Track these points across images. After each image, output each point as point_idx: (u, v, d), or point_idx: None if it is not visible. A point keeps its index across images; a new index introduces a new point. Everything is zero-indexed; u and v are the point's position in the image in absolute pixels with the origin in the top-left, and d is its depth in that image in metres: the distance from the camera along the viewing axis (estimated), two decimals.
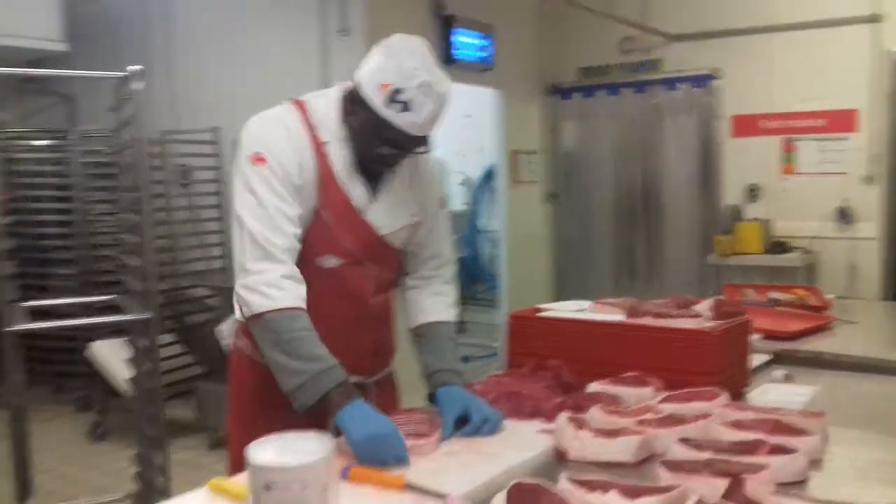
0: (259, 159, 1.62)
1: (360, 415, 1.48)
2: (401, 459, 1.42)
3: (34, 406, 4.90)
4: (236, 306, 1.69)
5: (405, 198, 1.77)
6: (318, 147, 1.66)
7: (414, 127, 1.58)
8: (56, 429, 4.76)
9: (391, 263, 1.82)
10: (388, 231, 1.74)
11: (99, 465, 4.15)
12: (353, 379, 1.68)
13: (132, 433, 3.32)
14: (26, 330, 2.80)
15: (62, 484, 3.89)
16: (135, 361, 3.12)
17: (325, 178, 1.66)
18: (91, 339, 4.51)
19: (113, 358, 4.20)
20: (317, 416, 1.55)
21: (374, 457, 1.41)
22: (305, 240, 1.66)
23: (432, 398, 1.72)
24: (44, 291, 5.09)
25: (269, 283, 1.56)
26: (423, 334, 1.81)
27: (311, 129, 1.67)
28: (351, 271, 1.71)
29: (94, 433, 4.53)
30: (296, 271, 1.60)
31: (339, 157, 1.67)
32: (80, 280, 4.96)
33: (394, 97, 1.55)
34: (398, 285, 1.90)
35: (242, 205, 1.62)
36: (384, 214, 1.73)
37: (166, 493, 2.76)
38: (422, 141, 1.65)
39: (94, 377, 4.67)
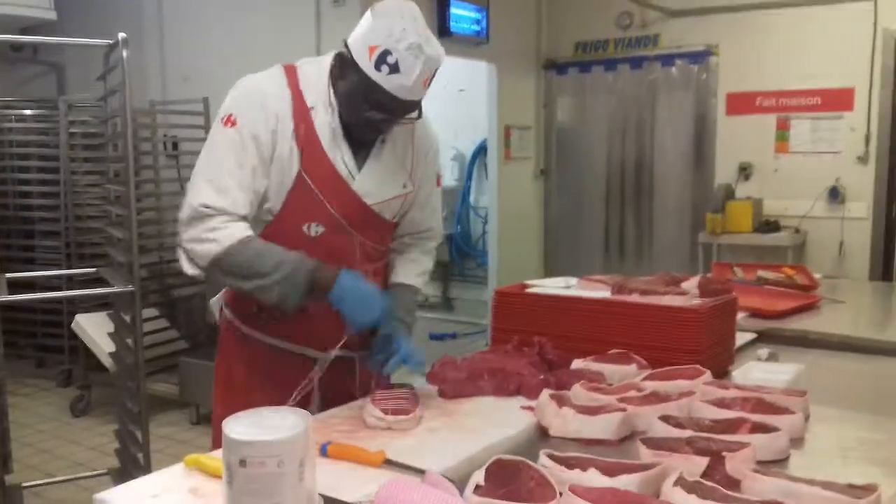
0: (230, 121, 1.61)
1: (356, 292, 1.58)
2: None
3: (16, 380, 4.92)
4: (183, 262, 1.67)
5: (396, 169, 1.74)
6: (304, 112, 1.63)
7: (402, 90, 1.56)
8: (37, 403, 4.75)
9: (381, 234, 1.79)
10: (374, 201, 1.71)
11: (80, 441, 4.15)
12: (340, 353, 1.68)
13: (114, 408, 3.32)
14: (7, 302, 2.78)
15: (43, 459, 3.89)
16: (117, 335, 3.10)
17: (309, 143, 1.64)
18: (75, 313, 4.48)
19: (97, 331, 4.17)
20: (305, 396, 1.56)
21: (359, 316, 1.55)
22: (290, 206, 1.64)
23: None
24: (28, 263, 5.06)
25: (209, 229, 1.58)
26: (386, 293, 1.80)
27: (298, 93, 1.64)
28: (336, 239, 1.69)
29: (76, 408, 4.52)
30: (237, 215, 1.60)
31: (325, 122, 1.65)
32: (65, 252, 4.92)
33: (382, 59, 1.53)
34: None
35: (199, 165, 1.64)
36: (371, 184, 1.70)
37: (147, 469, 2.75)
38: (411, 106, 1.62)
39: (77, 351, 4.65)
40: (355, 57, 1.56)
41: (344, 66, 1.62)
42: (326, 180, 1.65)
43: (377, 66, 1.54)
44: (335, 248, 1.69)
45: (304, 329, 1.71)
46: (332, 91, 1.65)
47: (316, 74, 1.67)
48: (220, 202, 1.58)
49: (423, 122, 1.77)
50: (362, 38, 1.56)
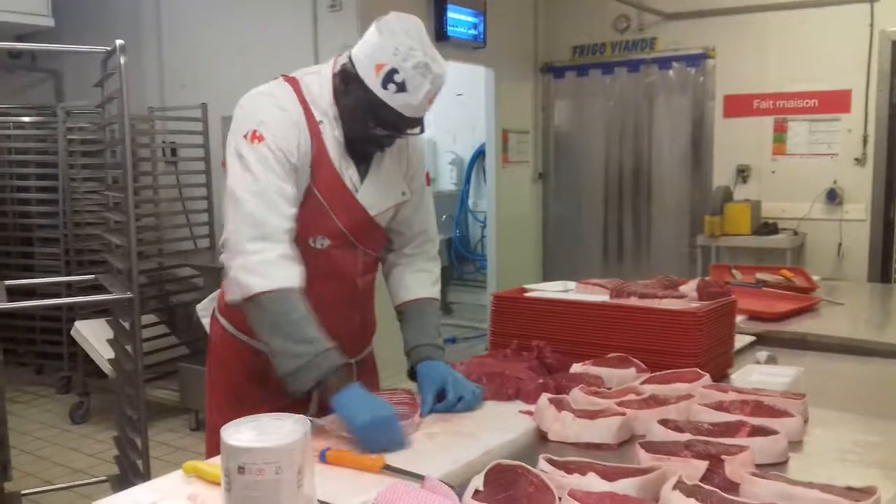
0: (256, 136, 1.57)
1: (359, 399, 1.46)
2: (400, 444, 1.40)
3: (15, 387, 4.92)
4: (228, 286, 1.64)
5: (394, 177, 1.75)
6: (314, 125, 1.63)
7: (409, 108, 1.57)
8: (36, 410, 4.74)
9: (377, 243, 1.81)
10: (377, 211, 1.72)
11: (79, 448, 4.13)
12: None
13: (113, 415, 3.31)
14: (6, 309, 2.77)
15: (42, 466, 3.88)
16: (117, 342, 3.10)
17: (320, 157, 1.64)
18: (74, 320, 4.48)
19: (96, 338, 4.17)
20: (300, 399, 1.54)
21: (376, 441, 1.38)
22: (299, 221, 1.62)
23: (413, 374, 1.71)
24: (27, 270, 5.06)
25: (266, 262, 1.52)
26: (406, 311, 1.81)
27: (307, 107, 1.64)
28: (340, 252, 1.70)
29: (75, 415, 4.51)
30: (293, 251, 1.57)
31: (332, 136, 1.65)
32: (64, 259, 4.92)
33: (390, 77, 1.53)
34: (382, 263, 1.89)
35: (239, 184, 1.57)
36: (374, 194, 1.71)
37: (146, 476, 2.74)
38: (416, 122, 1.63)
39: (76, 358, 4.65)
40: (361, 74, 1.56)
41: (348, 82, 1.61)
42: (335, 194, 1.66)
43: (384, 85, 1.54)
44: (339, 261, 1.70)
45: None
46: (335, 107, 1.65)
47: (317, 86, 1.66)
48: (276, 221, 1.54)
49: (417, 137, 1.78)
50: (369, 55, 1.56)
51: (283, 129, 1.59)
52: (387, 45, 1.54)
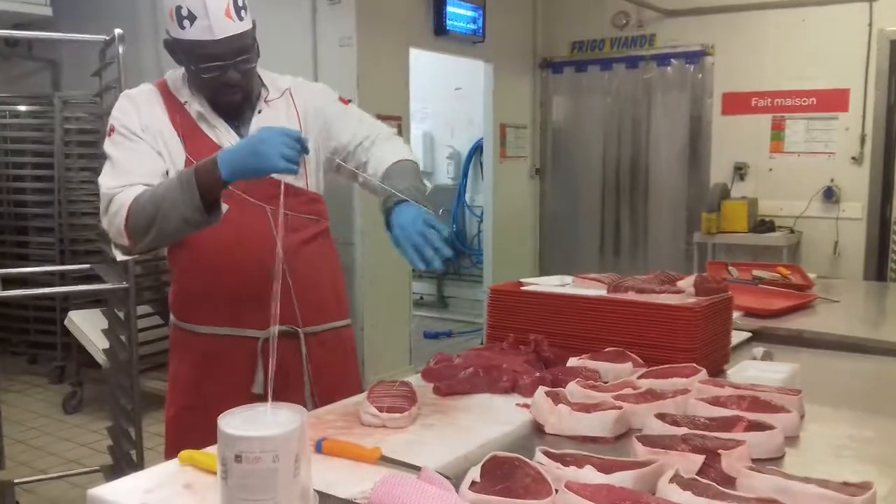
0: (109, 131, 1.70)
1: (240, 147, 1.53)
2: (290, 160, 1.45)
3: (8, 377, 4.91)
4: (115, 252, 1.73)
5: None
6: (176, 104, 1.73)
7: (208, 30, 1.61)
8: (30, 400, 4.74)
9: (296, 202, 1.78)
10: None
11: (73, 437, 4.14)
12: (283, 328, 1.69)
13: (107, 405, 3.30)
14: (0, 298, 2.76)
15: (35, 456, 3.88)
16: (111, 332, 3.09)
17: (187, 129, 1.71)
18: (68, 310, 4.46)
19: (91, 328, 4.16)
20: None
21: (261, 156, 1.45)
22: None
23: (388, 218, 1.61)
24: (21, 259, 5.04)
25: (116, 203, 1.62)
26: (388, 174, 1.76)
27: (167, 92, 1.75)
28: (242, 215, 1.71)
29: (69, 405, 4.50)
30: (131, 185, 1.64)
31: (196, 110, 1.73)
32: (58, 248, 4.90)
33: (179, 16, 1.61)
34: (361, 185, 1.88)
35: (102, 177, 1.68)
36: None
37: (140, 466, 2.74)
38: (236, 43, 1.64)
39: (70, 348, 4.64)
40: (169, 32, 1.66)
41: (173, 50, 1.69)
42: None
43: (180, 25, 1.62)
44: (246, 224, 1.72)
45: (243, 311, 1.73)
46: (188, 83, 1.75)
47: (181, 76, 1.77)
48: (121, 180, 1.64)
49: (301, 84, 1.85)
50: (162, 11, 1.65)
51: (130, 116, 1.70)
52: None
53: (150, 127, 1.70)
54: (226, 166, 1.51)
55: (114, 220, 1.62)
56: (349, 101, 1.93)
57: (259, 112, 1.78)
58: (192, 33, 1.61)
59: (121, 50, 2.77)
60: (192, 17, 1.59)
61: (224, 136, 1.74)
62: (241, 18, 1.63)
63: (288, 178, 1.71)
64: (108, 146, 1.71)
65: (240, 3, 1.64)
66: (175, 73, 1.80)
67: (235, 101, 1.74)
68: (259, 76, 1.80)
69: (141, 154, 1.68)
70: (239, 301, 1.71)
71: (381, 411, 1.46)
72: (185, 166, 1.67)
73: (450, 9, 5.04)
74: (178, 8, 1.60)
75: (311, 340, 1.80)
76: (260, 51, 1.73)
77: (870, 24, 5.03)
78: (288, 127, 1.63)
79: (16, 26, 5.07)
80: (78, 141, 4.98)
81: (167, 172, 1.69)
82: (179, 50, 1.67)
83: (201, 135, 1.73)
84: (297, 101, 1.84)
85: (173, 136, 1.71)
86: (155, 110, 1.72)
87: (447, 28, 5.02)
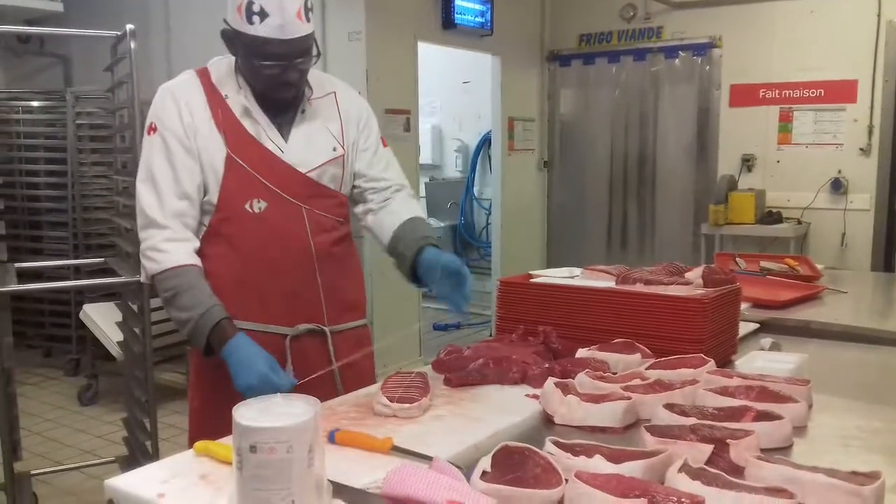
0: (151, 130, 1.70)
1: (240, 355, 1.57)
2: (285, 389, 1.49)
3: (24, 370, 4.96)
4: (142, 271, 1.76)
5: (321, 135, 1.79)
6: (218, 99, 1.72)
7: (279, 30, 1.61)
8: (46, 393, 4.78)
9: (329, 203, 1.81)
10: (308, 168, 1.76)
11: (88, 429, 4.18)
12: (307, 326, 1.75)
13: (122, 397, 3.34)
14: (16, 292, 2.80)
15: (51, 447, 3.92)
16: (125, 324, 3.13)
17: (229, 125, 1.71)
18: (83, 303, 4.50)
19: (105, 321, 4.20)
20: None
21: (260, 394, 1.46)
22: (228, 189, 1.71)
23: (414, 267, 1.77)
24: (36, 254, 5.08)
25: (153, 248, 1.66)
26: (400, 233, 1.82)
27: (210, 84, 1.73)
28: (281, 213, 1.74)
29: (84, 397, 4.55)
30: (180, 234, 1.68)
31: (238, 103, 1.72)
32: (72, 242, 4.95)
33: (249, 11, 1.59)
34: (361, 223, 1.92)
35: (139, 175, 1.72)
36: (300, 152, 1.76)
37: (155, 457, 2.77)
38: (300, 45, 1.65)
39: (85, 341, 4.68)
40: (231, 23, 1.64)
41: (231, 41, 1.68)
42: (255, 156, 1.72)
43: (249, 20, 1.60)
44: (282, 221, 1.74)
45: (273, 307, 1.75)
46: (238, 75, 1.74)
47: (226, 66, 1.76)
48: (164, 216, 1.67)
49: (346, 90, 1.87)
50: (229, 3, 1.63)
51: (172, 116, 1.70)
52: None
53: (191, 125, 1.70)
54: (226, 352, 1.59)
55: (148, 260, 1.68)
56: (384, 140, 1.96)
57: (303, 112, 1.78)
58: (261, 30, 1.60)
59: (132, 45, 2.78)
60: (263, 15, 1.58)
61: (269, 135, 1.74)
62: (308, 20, 1.65)
63: (325, 181, 1.79)
64: (147, 147, 1.71)
65: (308, 5, 1.65)
66: (220, 63, 1.78)
67: (287, 99, 1.74)
68: None
69: (180, 170, 1.68)
70: (269, 297, 1.73)
71: (392, 401, 1.48)
72: (226, 163, 1.69)
73: (458, 2, 5.04)
74: (250, 4, 1.59)
75: (335, 339, 1.83)
76: (320, 52, 1.74)
77: (878, 15, 5.00)
78: (326, 139, 1.78)
79: (28, 22, 5.11)
80: (91, 136, 5.01)
81: (202, 185, 1.71)
82: (240, 43, 1.66)
83: (242, 130, 1.72)
84: (342, 106, 1.85)
85: (213, 132, 1.71)
86: (196, 106, 1.71)
87: (455, 22, 5.02)
